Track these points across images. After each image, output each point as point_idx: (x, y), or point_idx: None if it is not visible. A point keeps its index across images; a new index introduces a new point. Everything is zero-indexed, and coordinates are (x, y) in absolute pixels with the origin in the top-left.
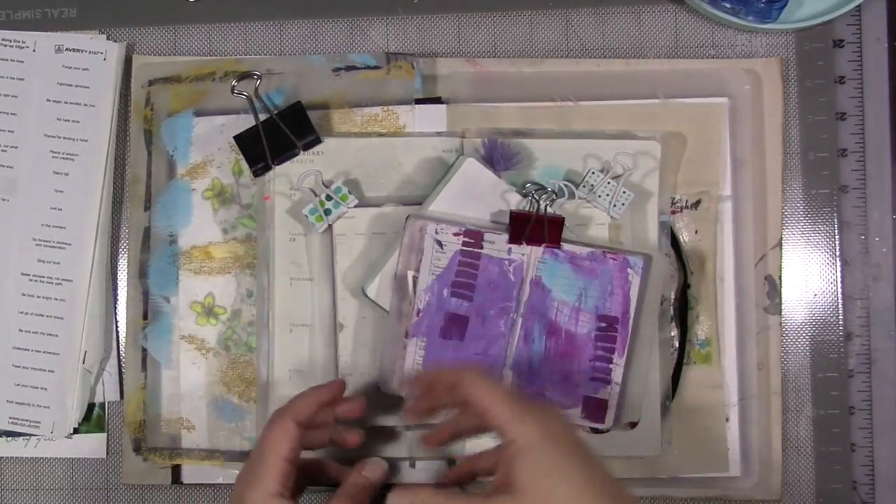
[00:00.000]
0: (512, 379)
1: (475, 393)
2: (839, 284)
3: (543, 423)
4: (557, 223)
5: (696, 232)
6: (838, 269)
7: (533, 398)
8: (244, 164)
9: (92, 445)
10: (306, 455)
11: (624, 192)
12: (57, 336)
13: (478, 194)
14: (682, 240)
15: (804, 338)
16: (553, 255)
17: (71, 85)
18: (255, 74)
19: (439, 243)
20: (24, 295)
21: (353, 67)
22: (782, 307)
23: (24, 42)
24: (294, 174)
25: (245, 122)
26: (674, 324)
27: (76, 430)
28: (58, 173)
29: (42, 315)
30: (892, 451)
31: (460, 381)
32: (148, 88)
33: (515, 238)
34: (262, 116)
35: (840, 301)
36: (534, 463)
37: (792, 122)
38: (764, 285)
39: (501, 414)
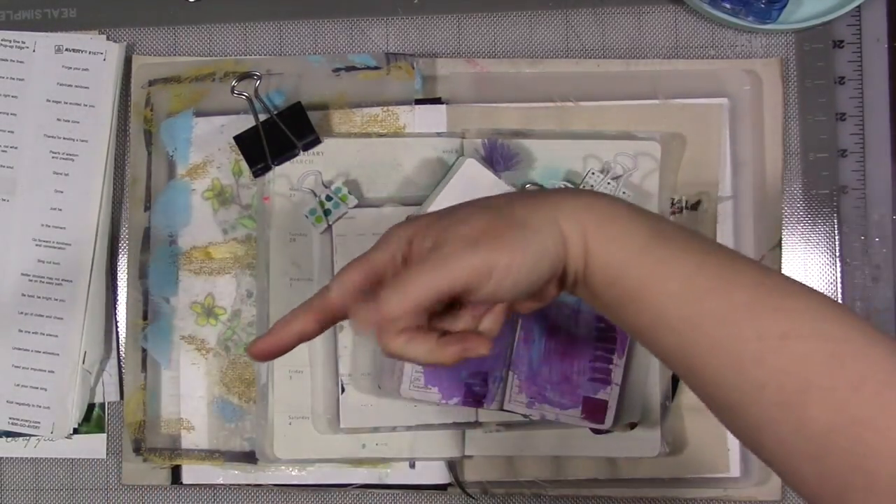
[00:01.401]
0: (512, 379)
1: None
2: (839, 285)
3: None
4: None
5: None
6: (838, 269)
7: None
8: (244, 165)
9: (92, 446)
10: None
11: (624, 193)
12: (57, 336)
13: (478, 195)
14: None
15: None
16: None
17: (71, 85)
18: (255, 75)
19: None
20: (24, 295)
21: (353, 68)
22: None
23: (24, 42)
24: (294, 175)
25: (245, 122)
26: None
27: (76, 431)
28: (58, 173)
29: (42, 315)
30: None
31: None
32: (148, 89)
33: None
34: (262, 117)
35: (840, 301)
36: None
37: (792, 123)
38: None
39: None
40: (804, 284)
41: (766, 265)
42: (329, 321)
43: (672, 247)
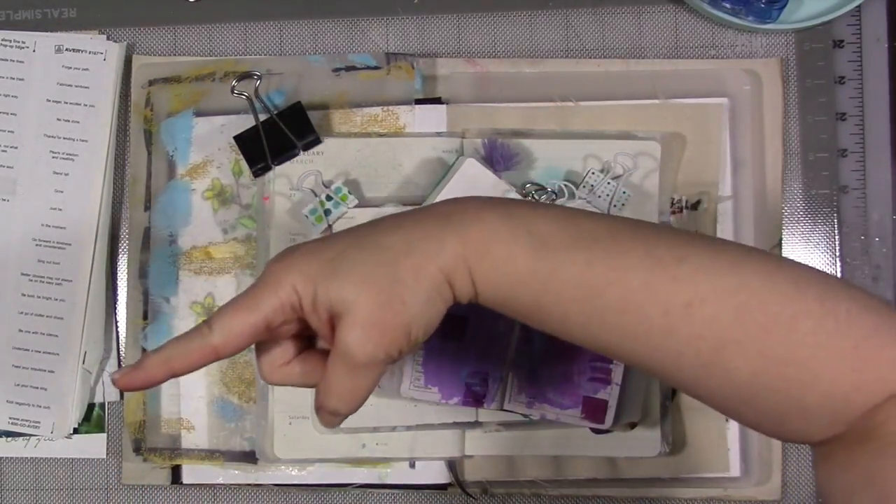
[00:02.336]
0: (512, 379)
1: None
2: None
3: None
4: None
5: (696, 232)
6: (838, 269)
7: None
8: (244, 165)
9: (92, 445)
10: None
11: (624, 193)
12: (57, 336)
13: (478, 195)
14: None
15: None
16: None
17: (71, 85)
18: (255, 74)
19: None
20: (24, 295)
21: (353, 68)
22: None
23: (24, 42)
24: (294, 174)
25: (245, 122)
26: None
27: (76, 431)
28: (58, 173)
29: (42, 315)
30: None
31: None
32: (148, 89)
33: None
34: (262, 116)
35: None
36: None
37: (792, 123)
38: None
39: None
40: (690, 238)
41: (650, 223)
42: (206, 363)
43: (557, 255)
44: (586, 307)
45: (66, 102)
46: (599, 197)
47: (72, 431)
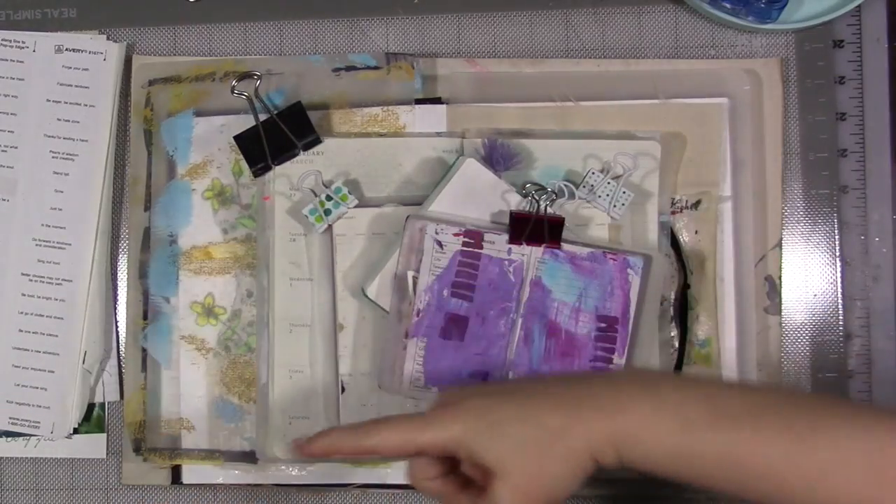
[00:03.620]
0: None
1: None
2: (839, 285)
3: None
4: (557, 223)
5: (696, 232)
6: (838, 269)
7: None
8: (244, 165)
9: (92, 445)
10: None
11: (624, 193)
12: (57, 336)
13: (478, 194)
14: (682, 240)
15: (804, 338)
16: (553, 256)
17: (71, 85)
18: (255, 74)
19: (439, 243)
20: (24, 295)
21: (353, 67)
22: (782, 307)
23: (24, 42)
24: (294, 174)
25: (245, 122)
26: (674, 324)
27: (76, 431)
28: (58, 173)
29: (42, 315)
30: None
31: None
32: (148, 88)
33: (515, 238)
34: (262, 116)
35: (840, 301)
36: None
37: (792, 123)
38: (764, 286)
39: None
40: (824, 406)
41: (786, 390)
42: (361, 456)
43: (702, 435)
44: (728, 475)
45: (66, 102)
46: (599, 197)
47: (72, 431)
